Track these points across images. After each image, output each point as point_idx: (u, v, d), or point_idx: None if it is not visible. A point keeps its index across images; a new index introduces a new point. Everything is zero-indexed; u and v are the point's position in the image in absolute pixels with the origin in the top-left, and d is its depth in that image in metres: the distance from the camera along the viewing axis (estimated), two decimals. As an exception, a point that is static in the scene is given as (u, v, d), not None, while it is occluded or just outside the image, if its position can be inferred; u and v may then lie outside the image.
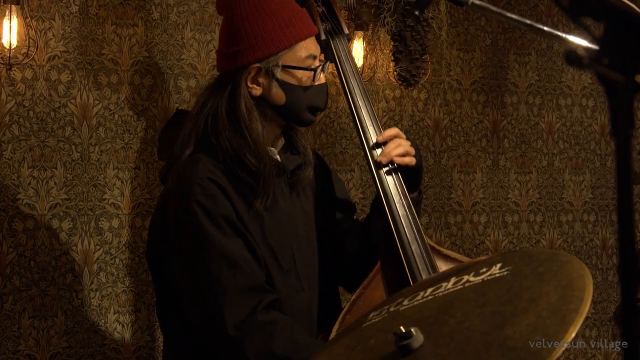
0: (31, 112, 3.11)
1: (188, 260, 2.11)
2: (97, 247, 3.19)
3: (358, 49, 3.52)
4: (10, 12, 3.02)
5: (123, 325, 3.23)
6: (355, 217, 2.46)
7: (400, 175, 2.28)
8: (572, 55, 0.99)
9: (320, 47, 2.37)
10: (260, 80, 2.18)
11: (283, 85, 2.18)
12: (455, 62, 3.86)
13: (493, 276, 1.45)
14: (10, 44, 3.03)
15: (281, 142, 2.28)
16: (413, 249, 2.22)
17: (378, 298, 2.15)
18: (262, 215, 2.15)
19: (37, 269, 3.10)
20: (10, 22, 3.02)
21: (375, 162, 2.29)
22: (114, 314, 3.21)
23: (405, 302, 1.53)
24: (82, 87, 3.18)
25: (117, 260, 3.22)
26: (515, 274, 1.42)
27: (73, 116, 3.16)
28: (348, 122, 3.64)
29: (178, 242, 2.13)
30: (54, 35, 3.14)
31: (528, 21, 1.40)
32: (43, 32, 3.12)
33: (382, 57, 3.60)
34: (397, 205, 2.26)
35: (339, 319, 2.15)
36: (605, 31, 1.04)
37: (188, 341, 2.17)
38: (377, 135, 2.32)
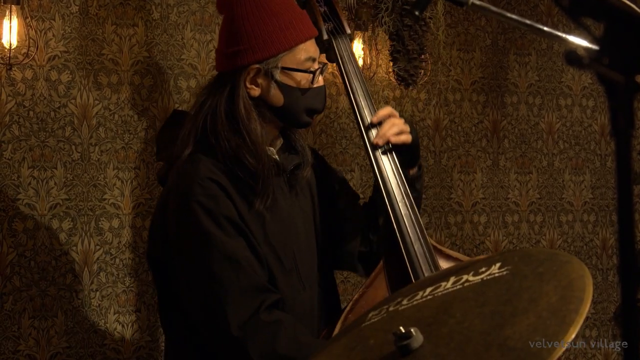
0: (31, 112, 3.11)
1: (190, 261, 2.11)
2: (97, 247, 3.19)
3: (357, 49, 3.53)
4: (11, 12, 3.02)
5: (123, 325, 3.23)
6: (359, 203, 2.47)
7: (402, 173, 2.29)
8: (572, 56, 0.99)
9: (323, 47, 2.37)
10: (259, 81, 2.18)
11: (282, 86, 2.18)
12: (455, 62, 3.86)
13: (492, 276, 1.44)
14: (10, 44, 3.03)
15: (280, 141, 2.28)
16: (416, 248, 2.22)
17: (381, 297, 2.15)
18: (263, 215, 2.15)
19: (37, 269, 3.10)
20: (10, 22, 3.02)
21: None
22: (114, 314, 3.21)
23: (405, 302, 1.52)
24: (82, 87, 3.18)
25: (117, 260, 3.22)
26: (515, 273, 1.42)
27: (73, 116, 3.16)
28: (348, 122, 3.64)
29: (179, 242, 2.12)
30: (54, 35, 3.14)
31: (528, 21, 1.40)
32: (43, 32, 3.12)
33: (381, 57, 3.60)
34: (400, 205, 2.26)
35: (342, 318, 2.15)
36: (605, 31, 1.04)
37: (190, 341, 2.17)
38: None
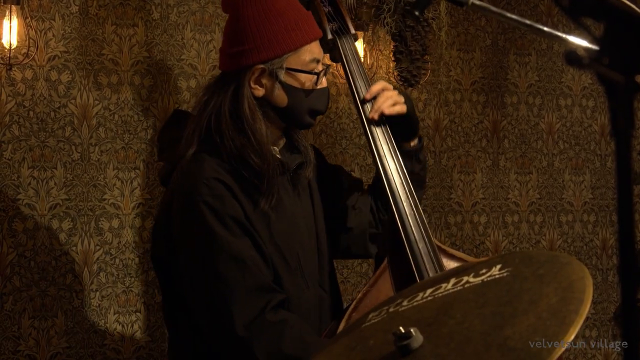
0: (31, 113, 3.11)
1: (196, 261, 2.11)
2: (97, 248, 3.19)
3: (358, 49, 3.53)
4: (11, 12, 3.02)
5: (123, 326, 3.23)
6: (363, 188, 2.48)
7: (406, 173, 2.30)
8: (572, 56, 0.98)
9: (327, 47, 2.37)
10: (264, 81, 2.18)
11: (286, 87, 2.18)
12: (455, 62, 3.86)
13: (493, 277, 1.45)
14: (10, 44, 3.03)
15: (282, 141, 2.28)
16: (420, 247, 2.23)
17: (385, 296, 2.15)
18: (269, 214, 2.15)
19: (37, 269, 3.10)
20: (10, 22, 3.02)
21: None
22: (114, 314, 3.21)
23: (405, 303, 1.52)
24: (82, 88, 3.18)
25: (117, 260, 3.22)
26: (515, 275, 1.42)
27: (73, 116, 3.16)
28: (348, 122, 3.64)
29: (185, 242, 2.12)
30: (54, 35, 3.14)
31: (528, 21, 1.40)
32: (43, 32, 3.12)
33: (381, 57, 3.60)
34: (405, 204, 2.27)
35: (345, 317, 2.15)
36: (605, 31, 1.04)
37: (194, 341, 2.17)
38: (384, 135, 2.32)
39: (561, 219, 4.07)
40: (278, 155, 2.23)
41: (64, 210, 3.15)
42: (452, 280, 1.50)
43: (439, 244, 2.30)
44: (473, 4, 1.44)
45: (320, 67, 2.22)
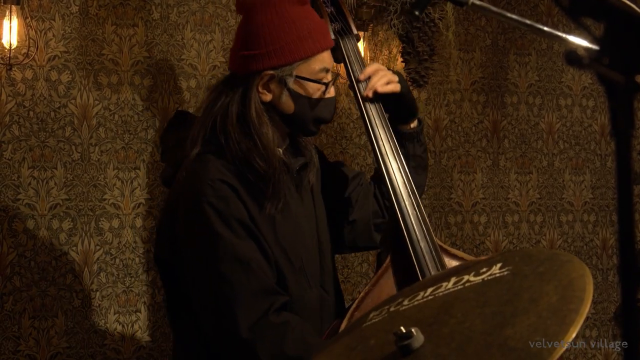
0: (31, 113, 3.11)
1: (200, 262, 2.11)
2: (97, 248, 3.19)
3: (360, 49, 3.53)
4: (11, 12, 3.02)
5: (123, 326, 3.23)
6: (365, 180, 2.49)
7: (406, 170, 2.30)
8: (572, 56, 0.99)
9: None
10: (272, 87, 2.18)
11: (293, 95, 2.18)
12: (456, 62, 3.85)
13: (493, 276, 1.45)
14: (10, 44, 3.03)
15: (286, 142, 2.28)
16: (422, 246, 2.23)
17: (386, 296, 2.15)
18: (274, 216, 2.15)
19: (37, 269, 3.10)
20: (10, 22, 3.02)
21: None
22: (114, 314, 3.21)
23: (406, 302, 1.53)
24: (82, 88, 3.18)
25: (117, 260, 3.22)
26: (516, 274, 1.42)
27: (73, 116, 3.16)
28: (348, 122, 3.64)
29: (189, 243, 2.12)
30: (54, 35, 3.14)
31: (528, 21, 1.40)
32: (43, 32, 3.12)
33: (381, 57, 3.60)
34: (407, 203, 2.28)
35: (348, 316, 2.15)
36: (606, 31, 1.04)
37: (198, 342, 2.17)
38: (387, 137, 2.33)
39: (561, 218, 4.07)
40: (282, 157, 2.23)
41: (64, 210, 3.15)
42: (453, 279, 1.50)
43: (441, 243, 2.31)
44: (473, 4, 1.44)
45: (329, 77, 2.22)
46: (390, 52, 3.56)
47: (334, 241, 2.38)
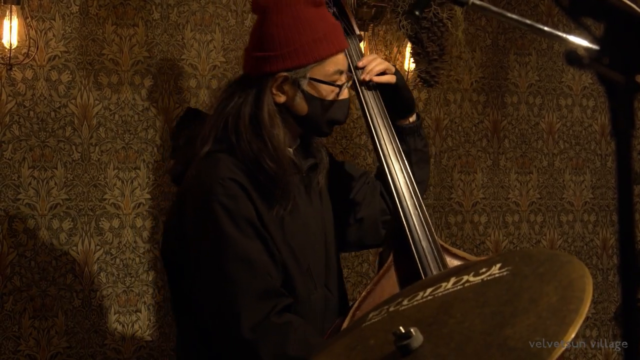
0: (31, 112, 3.11)
1: (206, 260, 2.11)
2: (98, 247, 3.20)
3: (362, 50, 3.53)
4: (11, 12, 3.02)
5: (123, 325, 3.23)
6: (371, 178, 2.49)
7: (409, 171, 2.31)
8: (573, 56, 0.98)
9: None
10: (286, 88, 2.18)
11: (307, 97, 2.18)
12: (456, 62, 3.86)
13: (493, 276, 1.45)
14: (10, 44, 3.03)
15: (297, 142, 2.29)
16: (424, 245, 2.24)
17: (388, 295, 2.15)
18: (283, 216, 2.15)
19: (37, 269, 3.10)
20: (10, 22, 3.02)
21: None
22: (114, 314, 3.21)
23: (405, 302, 1.53)
24: (82, 88, 3.18)
25: (118, 260, 3.22)
26: (515, 274, 1.42)
27: (73, 116, 3.16)
28: (348, 121, 3.64)
29: (197, 241, 2.12)
30: (54, 35, 3.14)
31: (528, 21, 1.40)
32: (43, 32, 3.12)
33: (381, 57, 3.60)
34: (409, 203, 2.28)
35: (349, 315, 2.16)
36: (606, 31, 1.04)
37: (202, 340, 2.17)
38: (390, 138, 2.33)
39: (561, 218, 4.07)
40: (291, 156, 2.23)
41: (64, 210, 3.15)
42: (452, 280, 1.50)
43: (442, 242, 2.31)
44: (473, 3, 1.44)
45: (343, 79, 2.22)
46: (390, 52, 3.56)
47: (341, 240, 2.39)
